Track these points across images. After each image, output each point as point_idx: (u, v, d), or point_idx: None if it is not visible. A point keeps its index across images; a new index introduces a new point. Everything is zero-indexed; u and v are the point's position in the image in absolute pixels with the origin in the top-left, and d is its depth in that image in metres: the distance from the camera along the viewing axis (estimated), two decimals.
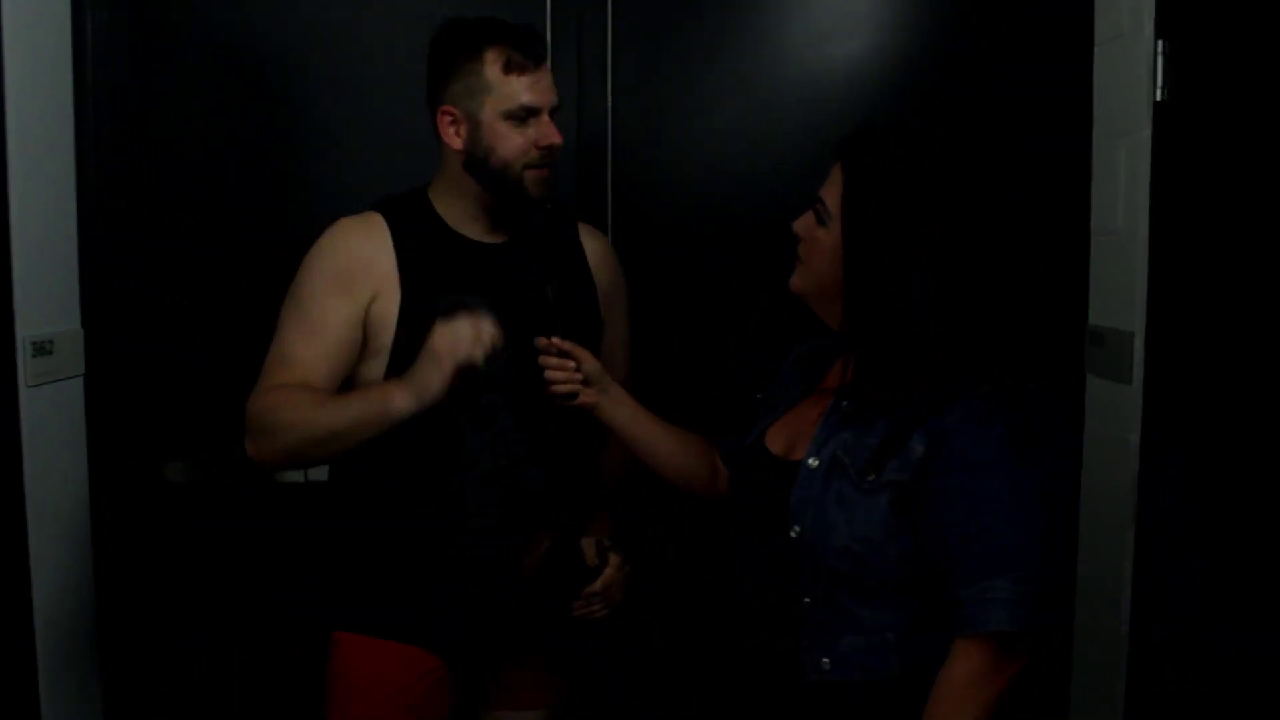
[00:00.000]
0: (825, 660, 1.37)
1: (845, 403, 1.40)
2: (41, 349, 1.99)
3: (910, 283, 1.31)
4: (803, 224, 1.43)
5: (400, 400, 1.53)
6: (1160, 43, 1.89)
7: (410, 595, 1.73)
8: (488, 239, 1.76)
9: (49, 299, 2.06)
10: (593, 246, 1.90)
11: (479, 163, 1.69)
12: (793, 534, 1.37)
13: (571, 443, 1.80)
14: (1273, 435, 1.69)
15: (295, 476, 2.28)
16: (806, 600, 1.38)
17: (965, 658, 1.29)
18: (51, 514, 2.05)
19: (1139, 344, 1.94)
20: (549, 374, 1.67)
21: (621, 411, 1.71)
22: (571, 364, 1.67)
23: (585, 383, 1.68)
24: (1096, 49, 2.11)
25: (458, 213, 1.75)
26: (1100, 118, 2.11)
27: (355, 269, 1.67)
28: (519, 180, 1.69)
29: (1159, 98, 1.89)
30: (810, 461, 1.38)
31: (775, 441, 1.49)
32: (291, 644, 2.27)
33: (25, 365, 1.95)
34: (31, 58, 1.99)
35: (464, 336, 1.51)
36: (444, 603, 1.73)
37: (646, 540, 2.06)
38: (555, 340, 1.66)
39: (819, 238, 1.40)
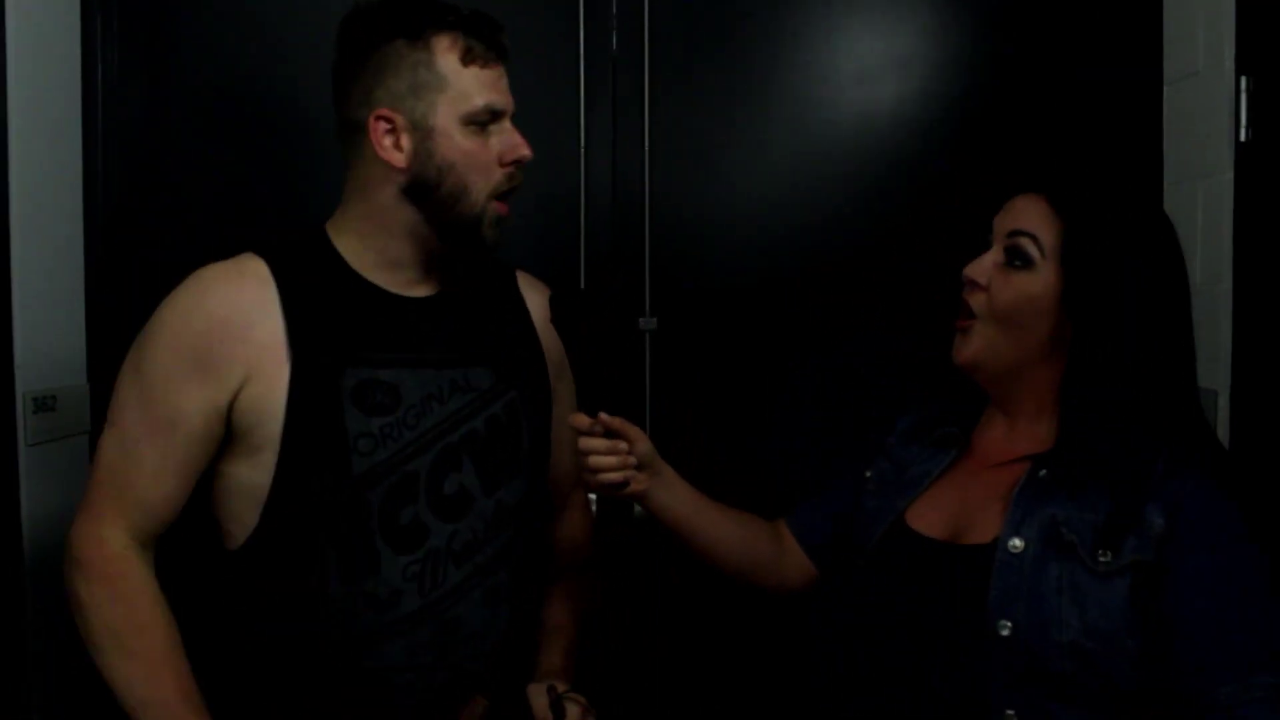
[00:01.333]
0: None
1: (1044, 472, 1.19)
2: (43, 405, 1.88)
3: (1139, 324, 1.16)
4: (983, 268, 1.23)
5: None
6: (1243, 79, 1.76)
7: None
8: (412, 292, 1.37)
9: (52, 352, 1.95)
10: (537, 301, 1.49)
11: (426, 186, 1.30)
12: (1002, 632, 1.13)
13: (518, 564, 1.43)
14: None
15: None
16: (1009, 713, 1.14)
17: None
18: (55, 584, 1.92)
19: (1224, 403, 1.79)
20: (594, 460, 1.31)
21: (676, 497, 1.42)
22: (624, 446, 1.34)
23: (637, 467, 1.37)
24: (1167, 88, 1.99)
25: (373, 257, 1.35)
26: (1172, 161, 1.97)
27: (219, 342, 1.29)
28: (478, 214, 1.32)
29: (1243, 138, 1.76)
30: (1015, 542, 1.16)
31: (926, 522, 1.28)
32: None
33: (25, 423, 1.84)
34: (38, 100, 1.90)
35: None
36: None
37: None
38: (603, 418, 1.31)
39: (1018, 282, 1.21)
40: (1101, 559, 1.12)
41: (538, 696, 1.39)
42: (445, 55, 1.29)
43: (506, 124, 1.34)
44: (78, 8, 2.03)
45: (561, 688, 1.41)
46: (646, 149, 2.14)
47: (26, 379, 1.85)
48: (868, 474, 1.43)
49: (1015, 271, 1.22)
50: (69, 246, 2.01)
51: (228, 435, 1.32)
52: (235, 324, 1.29)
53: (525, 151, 1.34)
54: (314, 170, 2.17)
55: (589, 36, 2.12)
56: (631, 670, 2.12)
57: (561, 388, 1.52)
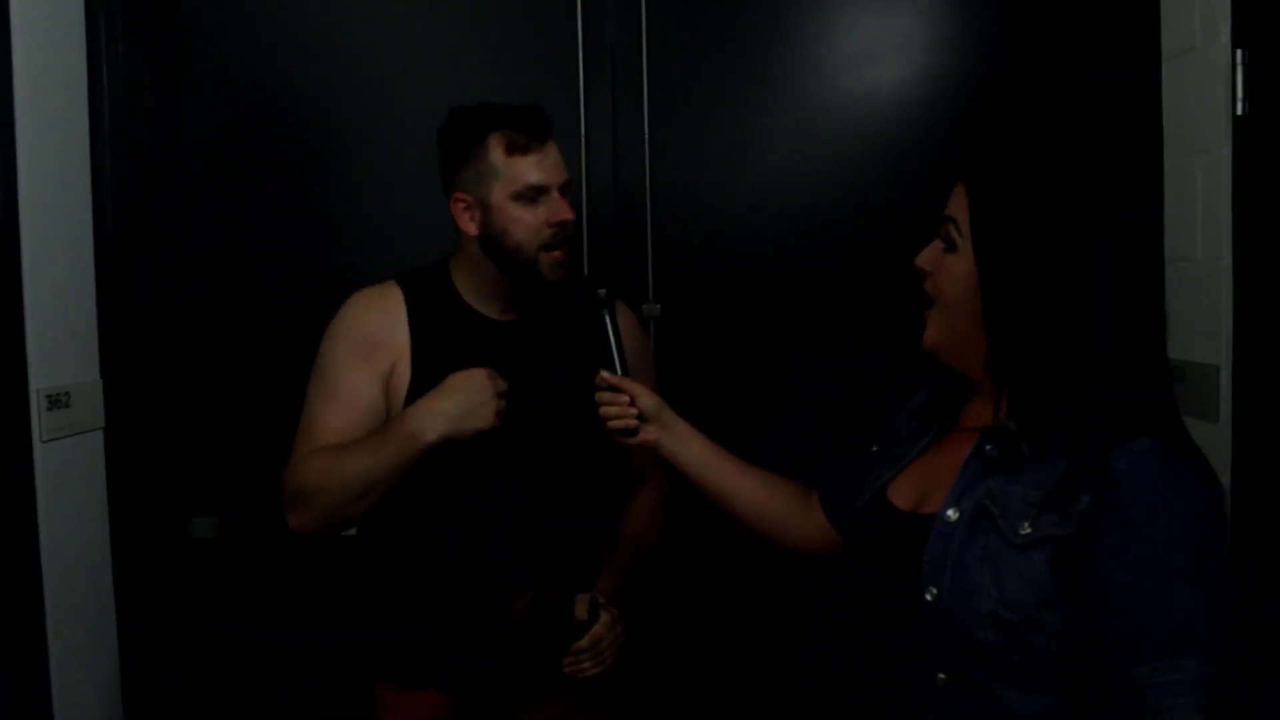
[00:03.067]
0: None
1: (990, 447, 1.21)
2: (57, 401, 1.91)
3: (1054, 297, 1.16)
4: (928, 255, 1.28)
5: (429, 434, 1.58)
6: (1239, 52, 1.75)
7: (423, 643, 1.74)
8: (503, 317, 1.76)
9: (66, 349, 1.98)
10: (619, 322, 1.81)
11: (494, 245, 1.69)
12: (927, 597, 1.17)
13: (577, 503, 1.78)
14: None
15: None
16: (941, 677, 1.16)
17: None
18: (71, 576, 1.96)
19: (1226, 378, 1.78)
20: (602, 410, 1.60)
21: (689, 448, 1.58)
22: (625, 398, 1.58)
23: (643, 419, 1.58)
24: (1165, 63, 1.98)
25: (475, 290, 1.76)
26: (1171, 136, 1.97)
27: (374, 340, 1.71)
28: (533, 262, 1.69)
29: (1239, 111, 1.75)
30: (949, 513, 1.19)
31: (901, 495, 1.31)
32: (318, 704, 2.19)
33: (40, 419, 1.87)
34: (46, 100, 1.93)
35: (478, 384, 1.60)
36: (451, 649, 1.73)
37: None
38: (605, 375, 1.61)
39: (949, 265, 1.24)
40: (1021, 532, 1.13)
41: (581, 602, 1.70)
42: (496, 150, 1.67)
43: (553, 194, 1.68)
44: (82, 6, 2.05)
45: (602, 599, 1.71)
46: (646, 137, 2.15)
47: (40, 376, 1.88)
48: (874, 449, 1.46)
49: (946, 256, 1.25)
50: (79, 244, 2.04)
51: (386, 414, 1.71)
52: (381, 328, 1.72)
53: (567, 215, 1.68)
54: (320, 164, 2.20)
55: (587, 27, 2.14)
56: (632, 670, 2.15)
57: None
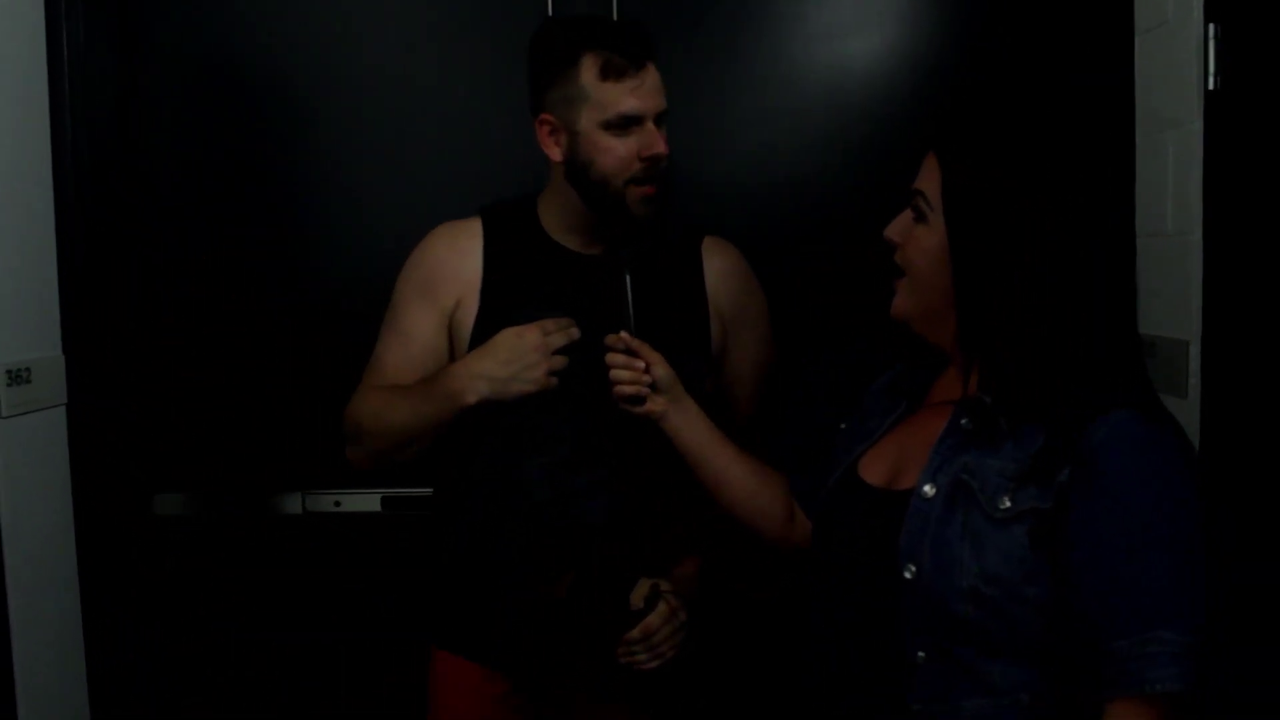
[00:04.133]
0: None
1: (965, 420, 1.20)
2: (18, 377, 1.88)
3: (1028, 270, 1.15)
4: (897, 226, 1.27)
5: (468, 396, 1.54)
6: (1211, 26, 1.75)
7: (476, 618, 1.72)
8: (588, 251, 1.68)
9: (26, 324, 1.95)
10: (716, 264, 1.76)
11: (579, 174, 1.60)
12: (906, 575, 1.16)
13: (646, 475, 1.66)
14: None
15: (294, 508, 2.18)
16: (920, 655, 1.17)
17: None
18: (33, 555, 1.94)
19: (1195, 353, 1.79)
20: (613, 373, 1.52)
21: (692, 427, 1.53)
22: (640, 364, 1.51)
23: (655, 389, 1.52)
24: (1138, 38, 1.98)
25: (559, 222, 1.68)
26: (1144, 111, 1.97)
27: (439, 277, 1.67)
28: (620, 197, 1.59)
29: (1211, 86, 1.75)
30: (925, 489, 1.18)
31: (872, 471, 1.30)
32: (293, 684, 2.18)
33: (1, 394, 1.84)
34: (4, 72, 1.90)
35: (529, 345, 1.53)
36: (500, 626, 1.69)
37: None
38: (624, 336, 1.52)
39: (919, 236, 1.23)
40: (1001, 506, 1.13)
41: (641, 586, 1.61)
42: (588, 72, 1.55)
43: (648, 125, 1.57)
44: None
45: (665, 587, 1.61)
46: None
47: (0, 351, 1.85)
48: (842, 426, 1.46)
49: (917, 227, 1.24)
50: (40, 220, 2.01)
51: (451, 350, 1.68)
52: (450, 264, 1.67)
53: (660, 149, 1.57)
54: (288, 136, 2.17)
55: (558, 6, 2.12)
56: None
57: (736, 341, 1.77)
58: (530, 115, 1.64)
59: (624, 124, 1.56)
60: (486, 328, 1.61)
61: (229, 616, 2.20)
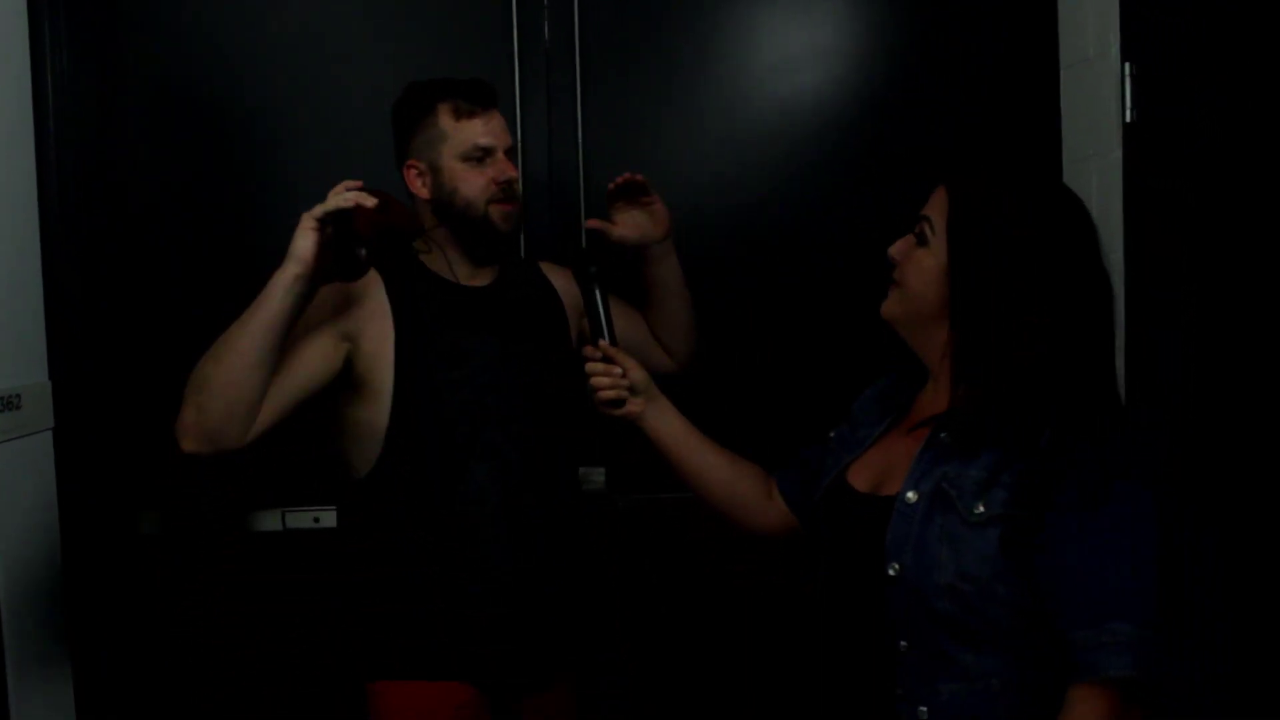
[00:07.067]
0: (923, 709, 1.27)
1: (944, 435, 1.32)
2: (8, 404, 1.94)
3: (1018, 300, 1.27)
4: (901, 247, 1.39)
5: (278, 273, 1.58)
6: (1127, 65, 1.91)
7: (440, 632, 1.76)
8: (472, 282, 1.84)
9: (15, 352, 2.01)
10: (561, 283, 1.94)
11: (445, 206, 1.80)
12: (890, 572, 1.28)
13: (563, 471, 1.89)
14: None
15: (273, 524, 2.25)
16: (903, 644, 1.29)
17: (1085, 706, 1.19)
18: (21, 572, 1.99)
19: (1119, 364, 1.93)
20: (594, 380, 1.63)
21: (668, 425, 1.63)
22: (618, 370, 1.62)
23: (631, 391, 1.63)
24: (1063, 73, 2.14)
25: (438, 259, 1.83)
26: (1069, 141, 2.12)
27: (347, 300, 1.73)
28: (484, 216, 1.79)
29: (1128, 119, 1.91)
30: (908, 495, 1.30)
31: (860, 478, 1.42)
32: (274, 699, 2.25)
33: None
34: None
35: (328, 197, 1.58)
36: (472, 632, 1.76)
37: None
38: (602, 345, 1.64)
39: (919, 258, 1.35)
40: (976, 511, 1.25)
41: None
42: (444, 116, 1.79)
43: (499, 155, 1.79)
44: (25, 10, 2.07)
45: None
46: (580, 140, 2.25)
47: None
48: (831, 434, 1.57)
49: (917, 249, 1.37)
50: (26, 248, 2.07)
51: (353, 385, 1.73)
52: (355, 291, 1.73)
53: (512, 173, 1.80)
54: (262, 165, 2.25)
55: (522, 31, 2.23)
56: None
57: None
58: (397, 169, 1.83)
59: (479, 155, 1.78)
60: (407, 358, 1.73)
61: (212, 631, 2.26)
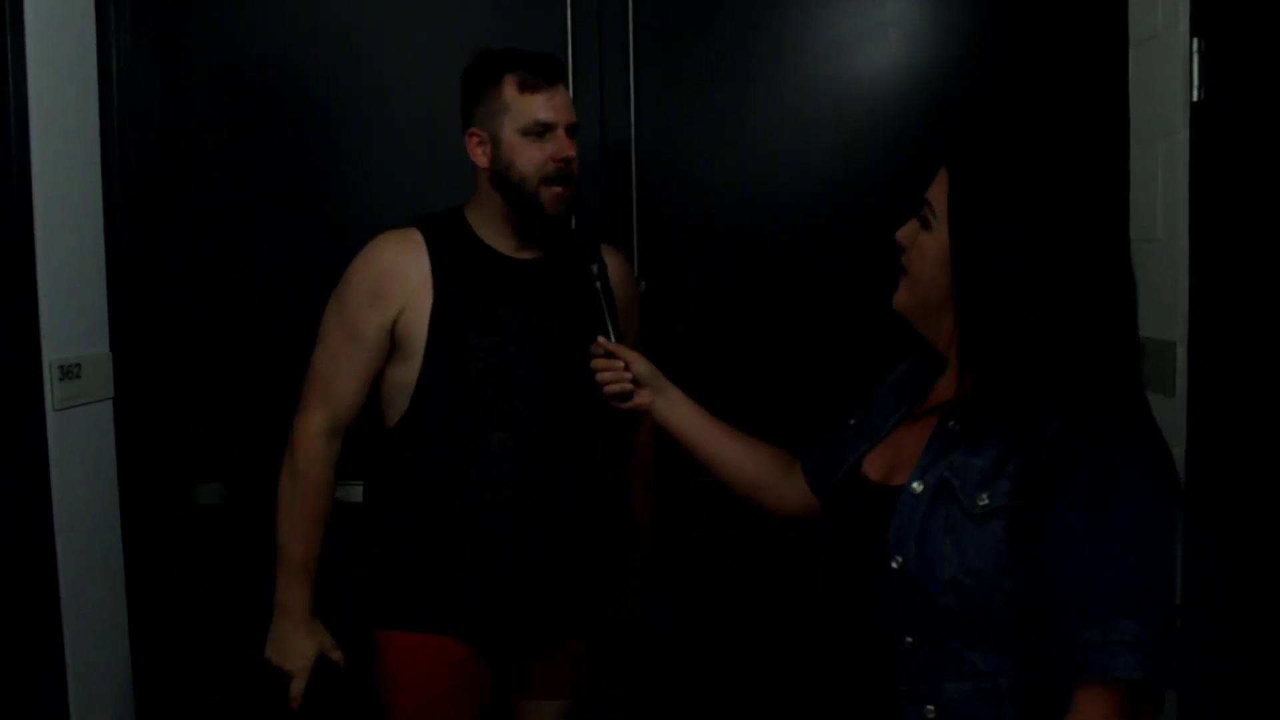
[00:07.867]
0: (930, 708, 1.23)
1: (952, 423, 1.27)
2: (69, 372, 2.01)
3: (1022, 285, 1.21)
4: (906, 231, 1.35)
5: (278, 613, 1.88)
6: (1195, 41, 1.82)
7: (441, 590, 1.84)
8: (519, 255, 1.88)
9: (77, 322, 2.08)
10: (612, 263, 1.95)
11: (501, 177, 1.82)
12: (893, 565, 1.24)
13: (599, 449, 1.93)
14: None
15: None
16: (908, 641, 1.24)
17: (1093, 708, 1.13)
18: (82, 539, 2.06)
19: (1182, 353, 1.86)
20: (599, 376, 1.67)
21: (680, 413, 1.64)
22: (620, 364, 1.65)
23: (637, 384, 1.65)
24: (1131, 50, 2.05)
25: (489, 229, 1.87)
26: (1137, 121, 2.04)
27: (388, 281, 1.81)
28: (535, 195, 1.81)
29: (1195, 98, 1.82)
30: (914, 486, 1.26)
31: (874, 467, 1.38)
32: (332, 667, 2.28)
33: (52, 389, 1.97)
34: (57, 79, 2.02)
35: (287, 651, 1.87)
36: (471, 595, 1.83)
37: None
38: (601, 341, 1.68)
39: (923, 243, 1.31)
40: (979, 503, 1.20)
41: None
42: (509, 88, 1.80)
43: (559, 133, 1.81)
44: None
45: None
46: (632, 116, 2.23)
47: (53, 348, 1.98)
48: (851, 422, 1.52)
49: (922, 233, 1.32)
50: (90, 223, 2.14)
51: (392, 347, 1.83)
52: (397, 269, 1.82)
53: (569, 152, 1.81)
54: (323, 145, 2.29)
55: (575, 9, 2.21)
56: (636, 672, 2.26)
57: (626, 331, 1.91)
58: (461, 132, 1.86)
59: (539, 130, 1.79)
60: (442, 324, 1.79)
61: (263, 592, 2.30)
